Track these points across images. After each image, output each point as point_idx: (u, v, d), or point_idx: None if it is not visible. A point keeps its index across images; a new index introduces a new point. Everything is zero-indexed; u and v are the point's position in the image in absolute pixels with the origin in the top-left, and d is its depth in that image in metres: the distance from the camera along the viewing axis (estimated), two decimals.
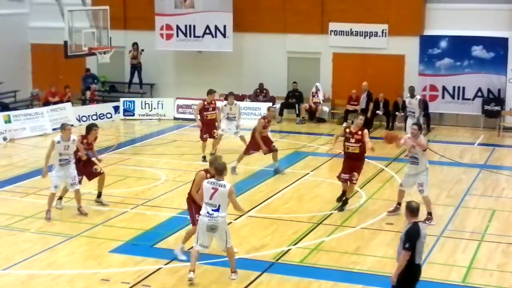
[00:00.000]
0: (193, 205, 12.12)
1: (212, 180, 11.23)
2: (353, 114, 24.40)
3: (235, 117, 19.66)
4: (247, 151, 18.20)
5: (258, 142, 17.80)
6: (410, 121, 20.36)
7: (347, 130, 15.04)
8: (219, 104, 20.28)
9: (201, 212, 11.28)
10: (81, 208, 14.74)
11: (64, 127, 14.64)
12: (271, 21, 26.87)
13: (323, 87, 26.35)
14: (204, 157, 19.04)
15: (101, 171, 15.32)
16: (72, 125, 15.88)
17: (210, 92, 19.77)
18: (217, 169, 11.26)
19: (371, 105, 24.98)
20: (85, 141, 15.15)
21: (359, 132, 14.92)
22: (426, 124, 24.69)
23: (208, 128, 19.50)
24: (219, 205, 11.09)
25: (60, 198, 15.11)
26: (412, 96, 21.77)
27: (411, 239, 9.35)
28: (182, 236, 12.58)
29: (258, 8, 27.05)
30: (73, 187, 14.64)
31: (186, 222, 14.29)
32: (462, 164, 19.78)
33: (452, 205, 15.66)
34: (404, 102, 24.75)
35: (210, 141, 19.68)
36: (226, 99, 19.72)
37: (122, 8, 28.36)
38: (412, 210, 9.54)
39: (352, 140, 14.92)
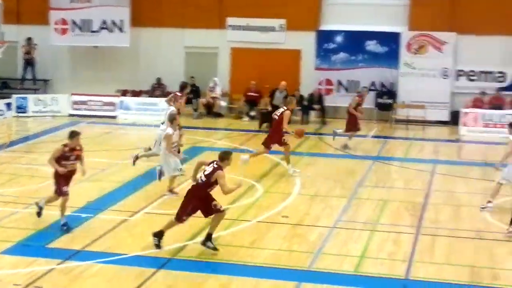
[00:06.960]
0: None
1: None
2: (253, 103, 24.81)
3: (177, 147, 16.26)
4: None
5: None
6: None
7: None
8: (165, 130, 16.02)
9: None
10: None
11: None
12: (170, 16, 26.76)
13: (221, 82, 26.42)
14: None
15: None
16: None
17: (74, 135, 13.60)
18: None
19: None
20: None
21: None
22: (321, 117, 25.19)
23: (67, 180, 13.56)
24: None
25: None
26: None
27: None
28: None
29: (157, 2, 26.85)
30: None
31: (81, 220, 14.11)
32: (355, 156, 20.24)
33: (346, 197, 16.02)
34: (301, 96, 25.14)
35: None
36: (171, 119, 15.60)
37: (15, 2, 27.57)
38: None
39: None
